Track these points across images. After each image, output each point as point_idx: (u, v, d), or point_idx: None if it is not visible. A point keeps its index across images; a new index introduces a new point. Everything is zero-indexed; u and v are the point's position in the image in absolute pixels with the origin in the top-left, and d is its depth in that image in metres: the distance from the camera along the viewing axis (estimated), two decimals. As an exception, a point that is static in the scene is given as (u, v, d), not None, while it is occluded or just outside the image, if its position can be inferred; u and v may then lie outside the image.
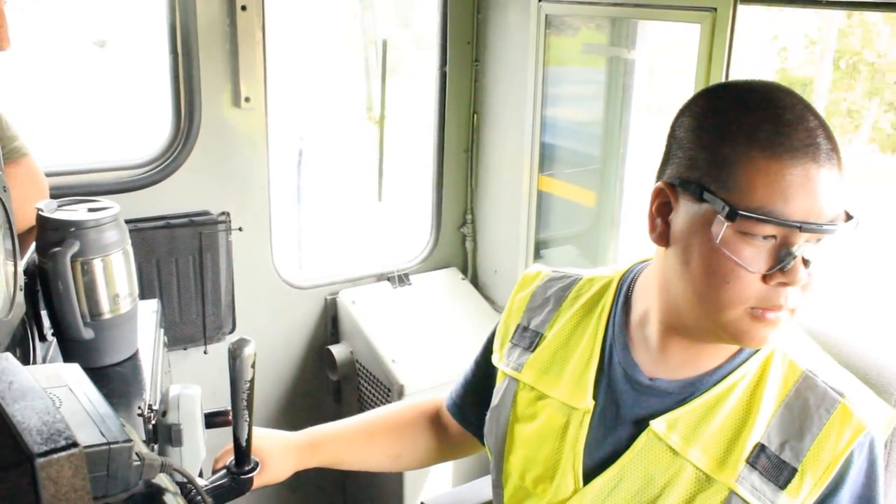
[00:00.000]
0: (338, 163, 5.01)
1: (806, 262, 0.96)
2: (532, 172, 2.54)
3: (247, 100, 2.35)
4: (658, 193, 1.07)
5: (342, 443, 1.45)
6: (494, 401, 1.32)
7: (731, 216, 0.95)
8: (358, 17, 4.40)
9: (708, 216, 0.99)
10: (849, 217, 0.98)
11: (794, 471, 1.03)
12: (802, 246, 0.95)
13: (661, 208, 1.07)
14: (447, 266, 2.93)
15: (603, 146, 2.52)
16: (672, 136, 1.07)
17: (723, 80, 1.79)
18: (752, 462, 1.05)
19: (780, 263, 0.96)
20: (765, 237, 0.96)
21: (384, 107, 3.05)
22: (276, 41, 2.44)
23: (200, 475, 1.28)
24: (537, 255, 2.66)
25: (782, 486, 1.03)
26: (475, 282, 2.93)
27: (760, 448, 1.05)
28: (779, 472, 1.04)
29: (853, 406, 1.04)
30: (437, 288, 2.85)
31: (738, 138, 0.97)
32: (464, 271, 2.94)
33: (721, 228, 0.96)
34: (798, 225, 0.94)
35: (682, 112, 1.07)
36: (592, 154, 2.59)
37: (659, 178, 1.09)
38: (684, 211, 1.03)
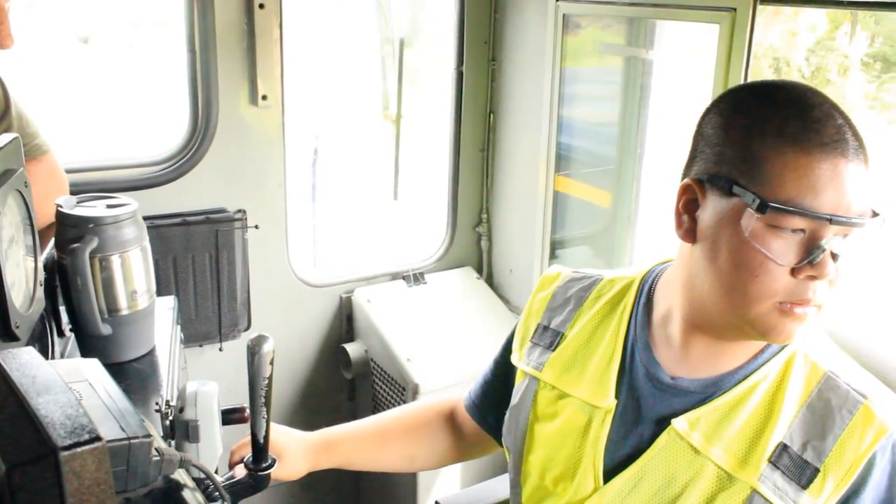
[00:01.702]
0: (354, 161, 5.01)
1: (834, 257, 0.97)
2: (548, 172, 2.53)
3: (264, 98, 2.35)
4: (685, 190, 1.08)
5: (356, 444, 1.46)
6: (514, 400, 1.31)
7: (762, 208, 0.95)
8: (375, 15, 4.40)
9: (737, 210, 0.99)
10: (875, 214, 0.98)
11: (817, 471, 1.03)
12: (831, 239, 0.96)
13: (688, 205, 1.08)
14: (462, 265, 2.93)
15: (619, 146, 2.51)
16: (699, 134, 1.08)
17: (741, 80, 1.79)
18: (775, 461, 1.04)
19: (809, 256, 0.96)
20: (794, 230, 0.97)
21: (400, 105, 3.04)
22: (293, 39, 2.44)
23: (217, 471, 1.28)
24: (553, 255, 2.65)
25: (804, 486, 1.03)
26: (490, 281, 2.92)
27: (783, 448, 1.05)
28: (801, 471, 1.03)
29: (876, 407, 1.04)
30: (451, 287, 2.84)
31: (767, 133, 0.97)
32: (479, 271, 2.93)
33: (751, 221, 0.97)
34: (828, 217, 0.94)
35: (710, 110, 1.08)
36: (609, 154, 2.58)
37: (685, 175, 1.09)
38: (712, 206, 1.03)
